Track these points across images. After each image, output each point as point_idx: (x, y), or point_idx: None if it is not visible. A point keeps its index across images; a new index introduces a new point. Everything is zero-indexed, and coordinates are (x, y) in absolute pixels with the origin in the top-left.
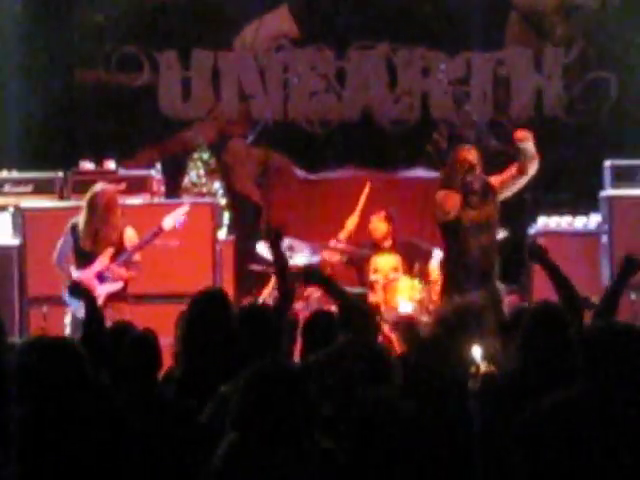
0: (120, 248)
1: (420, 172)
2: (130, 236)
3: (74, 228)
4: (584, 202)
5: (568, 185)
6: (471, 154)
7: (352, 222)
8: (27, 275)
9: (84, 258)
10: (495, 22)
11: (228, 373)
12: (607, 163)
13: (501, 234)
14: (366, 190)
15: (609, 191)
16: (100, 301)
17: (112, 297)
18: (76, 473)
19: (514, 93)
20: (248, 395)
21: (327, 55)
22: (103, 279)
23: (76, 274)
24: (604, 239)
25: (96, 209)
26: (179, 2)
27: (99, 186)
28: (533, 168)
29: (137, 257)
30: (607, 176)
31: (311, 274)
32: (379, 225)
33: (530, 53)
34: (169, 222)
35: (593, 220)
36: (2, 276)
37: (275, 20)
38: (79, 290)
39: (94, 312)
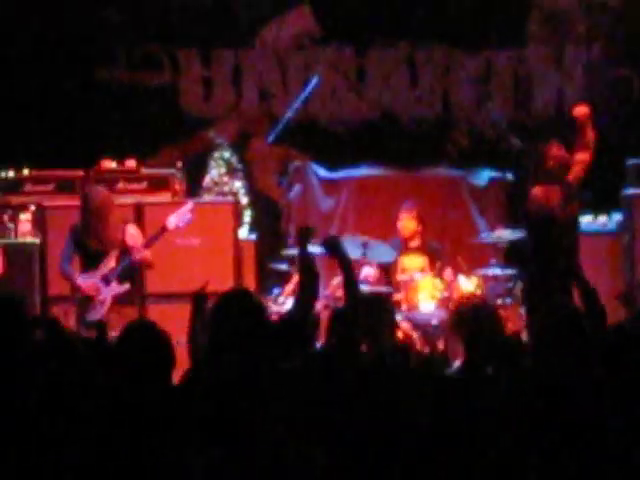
0: (124, 247)
1: (441, 171)
2: (132, 234)
3: (74, 231)
4: (605, 201)
5: (589, 184)
6: (562, 150)
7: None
8: (48, 273)
9: (89, 260)
10: (516, 21)
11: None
12: (629, 162)
13: (519, 234)
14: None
15: (630, 190)
16: (106, 304)
17: (118, 301)
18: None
19: (535, 92)
20: None
21: (348, 54)
22: (109, 281)
23: (81, 278)
24: (625, 238)
25: (92, 210)
26: (201, 1)
27: (92, 188)
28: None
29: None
30: (629, 175)
31: (332, 244)
32: (409, 223)
33: (551, 52)
34: (172, 221)
35: (614, 219)
36: (24, 274)
37: (297, 19)
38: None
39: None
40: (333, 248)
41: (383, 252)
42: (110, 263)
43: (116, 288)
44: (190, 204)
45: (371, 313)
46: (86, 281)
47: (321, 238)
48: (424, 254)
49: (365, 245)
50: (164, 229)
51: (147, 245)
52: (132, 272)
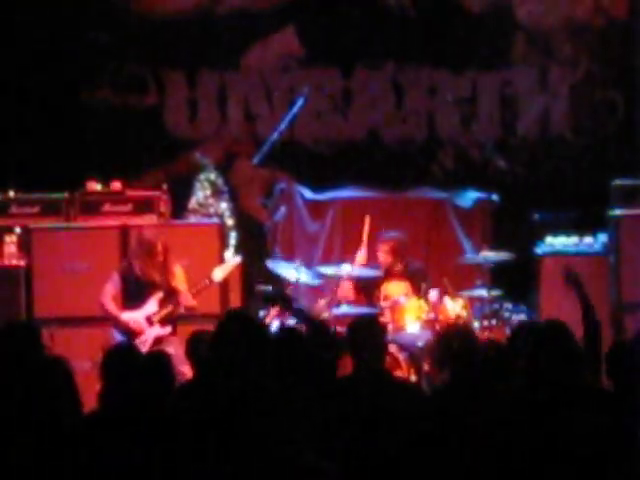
0: (169, 289)
1: (426, 192)
2: (177, 275)
3: (122, 271)
4: (591, 222)
5: (575, 205)
6: None
7: (361, 257)
8: (34, 296)
9: (132, 297)
10: (501, 42)
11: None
12: (614, 183)
13: (505, 256)
14: (366, 225)
15: (616, 211)
16: (148, 345)
17: (160, 341)
18: None
19: (520, 112)
20: None
21: (333, 75)
22: (152, 323)
23: (126, 315)
24: (611, 258)
25: (138, 251)
26: (185, 22)
27: (146, 228)
28: None
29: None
30: (614, 196)
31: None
32: (385, 257)
33: (536, 72)
34: (219, 274)
35: (600, 240)
36: (9, 296)
37: (281, 40)
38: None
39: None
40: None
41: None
42: (153, 304)
43: (159, 330)
44: (237, 260)
45: (369, 334)
46: (132, 319)
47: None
48: (406, 279)
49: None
50: (211, 282)
51: (195, 295)
52: (174, 316)
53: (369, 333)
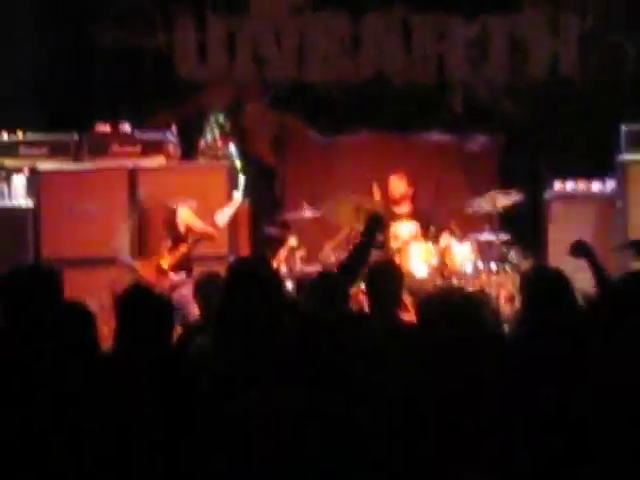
0: (176, 233)
1: (435, 135)
2: (184, 217)
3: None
4: (600, 167)
5: (584, 149)
6: None
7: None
8: (42, 237)
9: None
10: None
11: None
12: (623, 128)
13: (515, 197)
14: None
15: (625, 156)
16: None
17: (175, 288)
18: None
19: (530, 56)
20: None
21: (342, 18)
22: (163, 272)
23: (140, 264)
24: (619, 203)
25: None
26: None
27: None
28: None
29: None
30: (623, 141)
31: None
32: (398, 185)
33: (546, 18)
34: (222, 218)
35: (608, 185)
36: (17, 238)
37: None
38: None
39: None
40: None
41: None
42: (163, 253)
43: (172, 278)
44: (238, 201)
45: (386, 280)
46: (145, 268)
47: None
48: (415, 220)
49: None
50: (214, 226)
51: (198, 242)
52: (187, 262)
53: (386, 279)
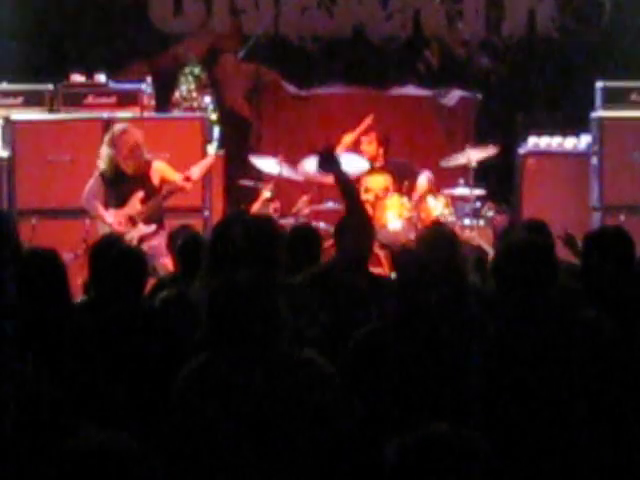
0: (150, 186)
1: (411, 90)
2: (158, 169)
3: (102, 171)
4: (575, 123)
5: (559, 105)
6: None
7: (349, 138)
8: (16, 187)
9: (115, 198)
10: None
11: None
12: (598, 84)
13: (491, 150)
14: (368, 120)
15: (600, 112)
16: (134, 243)
17: (145, 239)
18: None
19: (507, 12)
20: (212, 307)
21: None
22: (135, 222)
23: (109, 215)
24: (594, 160)
25: (119, 150)
26: None
27: (119, 127)
28: None
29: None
30: (598, 97)
31: (328, 159)
32: (368, 148)
33: None
34: (196, 172)
35: (583, 141)
36: None
37: None
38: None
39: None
40: (329, 163)
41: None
42: (135, 204)
43: (143, 229)
44: (212, 158)
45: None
46: (115, 219)
47: (317, 152)
48: (387, 172)
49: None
50: (188, 179)
51: (171, 194)
52: (159, 213)
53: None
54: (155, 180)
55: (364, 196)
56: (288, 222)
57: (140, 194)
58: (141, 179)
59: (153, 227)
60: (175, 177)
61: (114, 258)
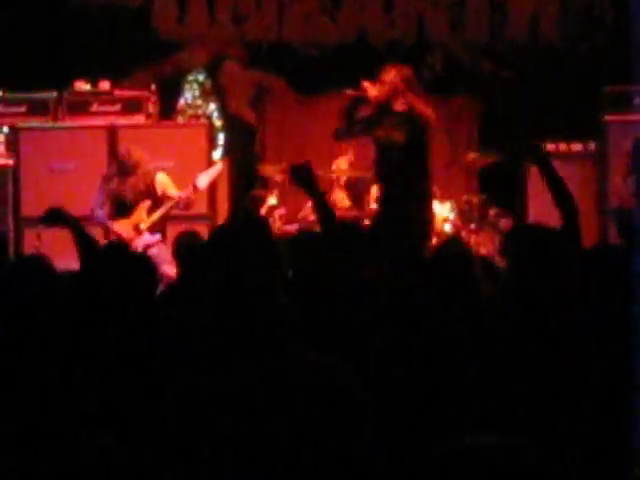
0: (155, 197)
1: None
2: (162, 182)
3: (107, 179)
4: (580, 127)
5: (564, 110)
6: None
7: (344, 162)
8: (21, 195)
9: (120, 210)
10: None
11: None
12: (604, 89)
13: (495, 157)
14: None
15: (606, 117)
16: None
17: (149, 248)
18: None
19: (510, 17)
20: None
21: None
22: (140, 231)
23: (117, 225)
24: (599, 165)
25: (124, 169)
26: None
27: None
28: None
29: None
30: (603, 102)
31: (298, 173)
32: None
33: None
34: (204, 180)
35: (588, 145)
36: None
37: None
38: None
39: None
40: (301, 178)
41: None
42: (142, 215)
43: (148, 238)
44: (220, 165)
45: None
46: (122, 228)
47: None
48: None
49: None
50: (195, 189)
51: (174, 206)
52: (163, 223)
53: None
54: (159, 192)
55: (373, 205)
56: (293, 228)
57: (147, 203)
58: (147, 190)
59: (157, 236)
60: (175, 193)
61: (118, 264)
